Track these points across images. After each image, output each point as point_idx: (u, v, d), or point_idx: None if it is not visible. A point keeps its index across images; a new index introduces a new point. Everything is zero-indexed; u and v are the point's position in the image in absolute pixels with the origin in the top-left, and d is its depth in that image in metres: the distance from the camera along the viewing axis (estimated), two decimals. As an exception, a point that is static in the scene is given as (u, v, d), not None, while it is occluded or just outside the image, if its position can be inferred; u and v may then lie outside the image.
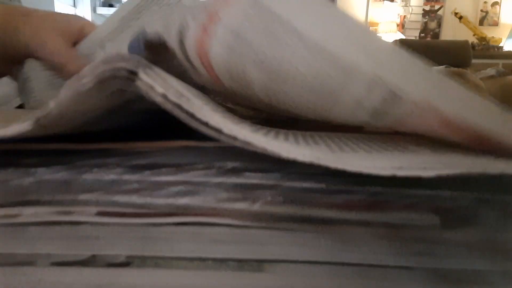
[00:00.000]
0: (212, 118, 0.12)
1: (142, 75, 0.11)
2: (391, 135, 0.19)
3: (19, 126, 0.12)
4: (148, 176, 0.13)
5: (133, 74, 0.11)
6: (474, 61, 2.31)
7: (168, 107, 0.11)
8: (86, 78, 0.11)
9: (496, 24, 3.73)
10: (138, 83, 0.11)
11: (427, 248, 0.13)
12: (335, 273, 0.13)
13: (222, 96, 0.24)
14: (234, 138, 0.12)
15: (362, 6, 3.73)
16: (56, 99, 0.12)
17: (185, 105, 0.11)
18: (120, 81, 0.12)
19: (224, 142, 0.12)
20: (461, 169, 0.10)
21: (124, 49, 0.22)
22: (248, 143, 0.11)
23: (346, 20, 0.14)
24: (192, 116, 0.11)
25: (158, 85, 0.11)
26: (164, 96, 0.11)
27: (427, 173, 0.10)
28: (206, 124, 0.11)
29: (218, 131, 0.11)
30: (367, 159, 0.12)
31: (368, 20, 3.71)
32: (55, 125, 0.13)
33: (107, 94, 0.12)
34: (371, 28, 3.63)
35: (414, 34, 3.73)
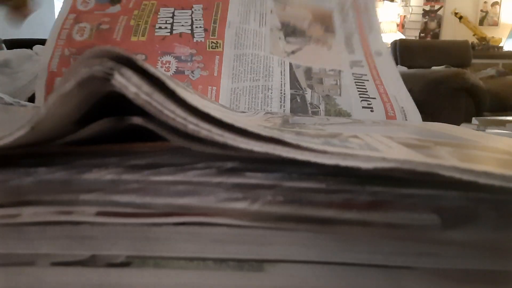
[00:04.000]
0: (179, 112, 0.12)
1: (117, 76, 0.12)
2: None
3: (17, 133, 0.13)
4: (148, 176, 0.13)
5: (109, 74, 0.12)
6: (474, 61, 2.31)
7: (140, 103, 0.12)
8: (69, 83, 0.12)
9: (496, 24, 3.72)
10: (114, 82, 0.12)
11: (427, 248, 0.13)
12: (335, 273, 0.13)
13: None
14: (198, 126, 0.12)
15: (362, 6, 3.72)
16: (46, 104, 0.13)
17: (154, 103, 0.12)
18: (98, 82, 0.12)
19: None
20: (397, 163, 0.11)
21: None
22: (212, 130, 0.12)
23: None
24: (161, 112, 0.12)
25: (131, 85, 0.12)
26: (136, 94, 0.12)
27: (366, 165, 0.11)
28: (173, 119, 0.12)
29: (184, 119, 0.12)
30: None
31: (368, 20, 3.70)
32: (49, 129, 0.13)
33: (89, 93, 0.13)
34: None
35: (414, 34, 3.73)
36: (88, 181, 0.13)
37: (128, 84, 0.12)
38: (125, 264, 0.13)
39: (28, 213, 0.13)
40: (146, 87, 0.12)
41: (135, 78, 0.12)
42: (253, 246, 0.13)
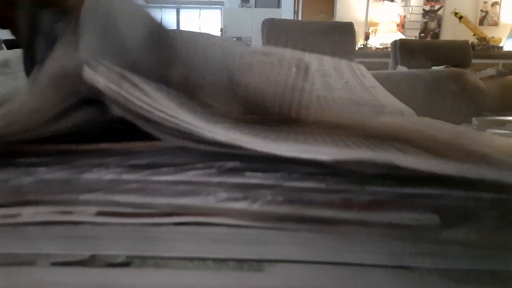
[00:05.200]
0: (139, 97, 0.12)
1: (86, 68, 0.12)
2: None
3: None
4: (148, 176, 0.13)
5: (80, 68, 0.12)
6: (474, 61, 2.31)
7: (110, 93, 0.12)
8: (42, 81, 0.13)
9: (496, 24, 3.73)
10: (84, 75, 0.12)
11: (427, 248, 0.13)
12: (335, 273, 0.13)
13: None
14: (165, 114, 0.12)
15: (362, 6, 3.73)
16: (20, 101, 0.13)
17: (122, 92, 0.12)
18: (71, 78, 0.13)
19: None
20: (356, 155, 0.11)
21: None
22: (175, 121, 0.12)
23: None
24: (128, 99, 0.12)
25: (100, 76, 0.12)
26: (105, 84, 0.12)
27: (323, 157, 0.11)
28: (139, 107, 0.12)
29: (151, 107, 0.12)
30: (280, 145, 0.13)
31: (368, 20, 3.71)
32: (26, 123, 0.14)
33: (65, 90, 0.13)
34: (371, 28, 3.63)
35: (414, 34, 3.73)
36: (88, 181, 0.13)
37: (96, 75, 0.12)
38: (125, 264, 0.13)
39: (28, 213, 0.13)
40: (114, 77, 0.12)
41: (103, 69, 0.12)
42: (253, 246, 0.13)
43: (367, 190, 0.13)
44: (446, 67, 1.79)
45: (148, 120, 0.12)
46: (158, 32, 0.19)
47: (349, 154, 0.11)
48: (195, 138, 0.12)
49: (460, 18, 3.48)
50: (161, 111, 0.12)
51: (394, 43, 2.28)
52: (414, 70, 1.68)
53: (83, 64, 0.12)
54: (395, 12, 3.74)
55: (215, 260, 0.13)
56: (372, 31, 3.66)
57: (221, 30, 4.59)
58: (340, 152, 0.11)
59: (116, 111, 0.12)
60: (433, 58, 2.12)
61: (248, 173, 0.13)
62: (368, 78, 0.44)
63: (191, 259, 0.13)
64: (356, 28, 2.04)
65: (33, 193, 0.13)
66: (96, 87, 0.12)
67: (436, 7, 3.74)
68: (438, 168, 0.11)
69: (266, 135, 0.15)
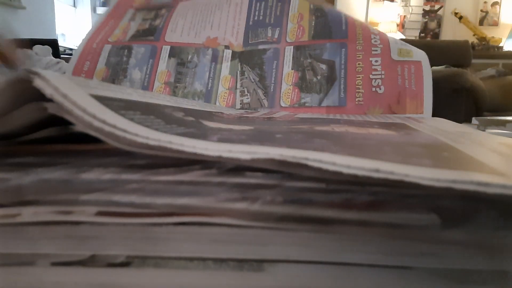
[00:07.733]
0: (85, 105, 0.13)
1: (37, 79, 0.13)
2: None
3: None
4: (148, 176, 0.13)
5: (32, 77, 0.13)
6: (474, 61, 2.31)
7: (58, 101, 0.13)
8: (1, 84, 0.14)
9: (496, 24, 3.72)
10: (35, 84, 0.13)
11: (427, 248, 0.13)
12: (335, 273, 0.13)
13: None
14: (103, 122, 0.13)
15: (362, 6, 3.73)
16: None
17: (67, 103, 0.13)
18: (25, 84, 0.13)
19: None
20: (273, 155, 0.12)
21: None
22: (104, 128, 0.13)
23: None
24: (71, 111, 0.13)
25: (49, 87, 0.13)
26: (52, 95, 0.13)
27: (242, 156, 0.12)
28: (82, 117, 0.13)
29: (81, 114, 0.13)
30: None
31: (368, 20, 3.71)
32: None
33: (21, 95, 0.14)
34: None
35: (414, 34, 3.73)
36: (88, 181, 0.13)
37: (46, 86, 0.13)
38: (125, 264, 0.13)
39: (28, 213, 0.13)
40: (62, 90, 0.13)
41: (52, 81, 0.13)
42: (253, 246, 0.13)
43: (367, 190, 0.13)
44: (446, 67, 1.79)
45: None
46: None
47: (266, 154, 0.12)
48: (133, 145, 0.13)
49: (460, 18, 3.48)
50: (102, 121, 0.13)
51: (394, 43, 2.27)
52: (414, 70, 1.67)
53: (35, 75, 0.13)
54: (395, 12, 3.74)
55: (215, 260, 0.13)
56: (372, 31, 3.65)
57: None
58: (258, 152, 0.12)
59: (80, 129, 0.13)
60: (433, 58, 2.12)
61: (248, 173, 0.13)
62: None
63: (191, 259, 0.13)
64: (356, 28, 2.03)
65: (33, 193, 0.13)
66: (45, 95, 0.13)
67: (436, 7, 3.74)
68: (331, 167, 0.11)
69: (211, 135, 0.16)
